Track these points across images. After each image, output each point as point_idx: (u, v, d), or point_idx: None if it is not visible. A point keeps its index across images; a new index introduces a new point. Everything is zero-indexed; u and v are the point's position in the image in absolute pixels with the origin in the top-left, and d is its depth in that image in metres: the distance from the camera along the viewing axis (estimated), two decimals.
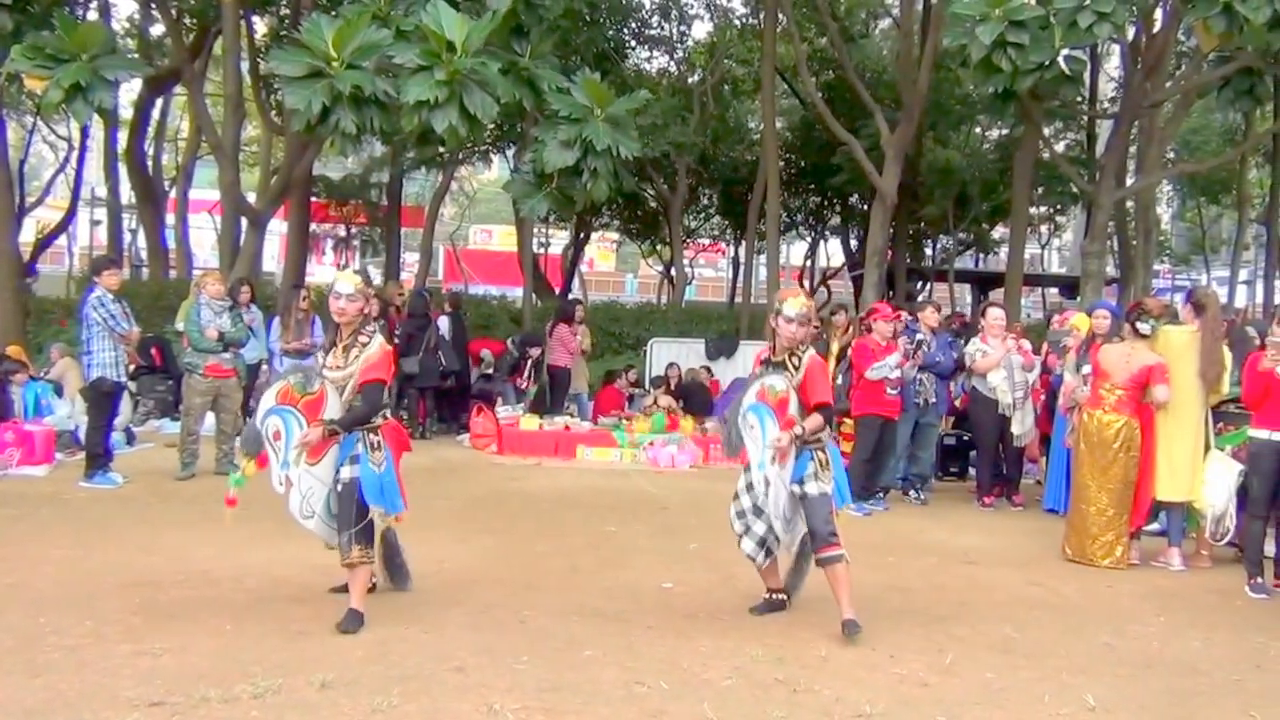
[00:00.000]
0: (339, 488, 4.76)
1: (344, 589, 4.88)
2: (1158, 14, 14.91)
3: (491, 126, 15.86)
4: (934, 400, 8.78)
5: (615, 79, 14.20)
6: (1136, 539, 6.74)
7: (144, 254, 22.73)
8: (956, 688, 4.28)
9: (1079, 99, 16.93)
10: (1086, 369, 7.35)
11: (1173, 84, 15.76)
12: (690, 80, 21.76)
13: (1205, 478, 6.54)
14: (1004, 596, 5.81)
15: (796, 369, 4.93)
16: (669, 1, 21.23)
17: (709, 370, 13.85)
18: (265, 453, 4.72)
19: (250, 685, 3.92)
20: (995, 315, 8.84)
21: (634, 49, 21.96)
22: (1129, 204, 17.68)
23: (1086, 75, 17.33)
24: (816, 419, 4.90)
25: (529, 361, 12.39)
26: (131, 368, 8.87)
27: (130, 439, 9.93)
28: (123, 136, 20.22)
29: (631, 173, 9.75)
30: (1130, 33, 14.84)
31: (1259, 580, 6.03)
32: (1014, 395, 8.44)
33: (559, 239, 31.11)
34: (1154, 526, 7.12)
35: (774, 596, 5.28)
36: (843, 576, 4.86)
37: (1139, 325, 6.69)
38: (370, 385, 4.75)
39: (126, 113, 19.94)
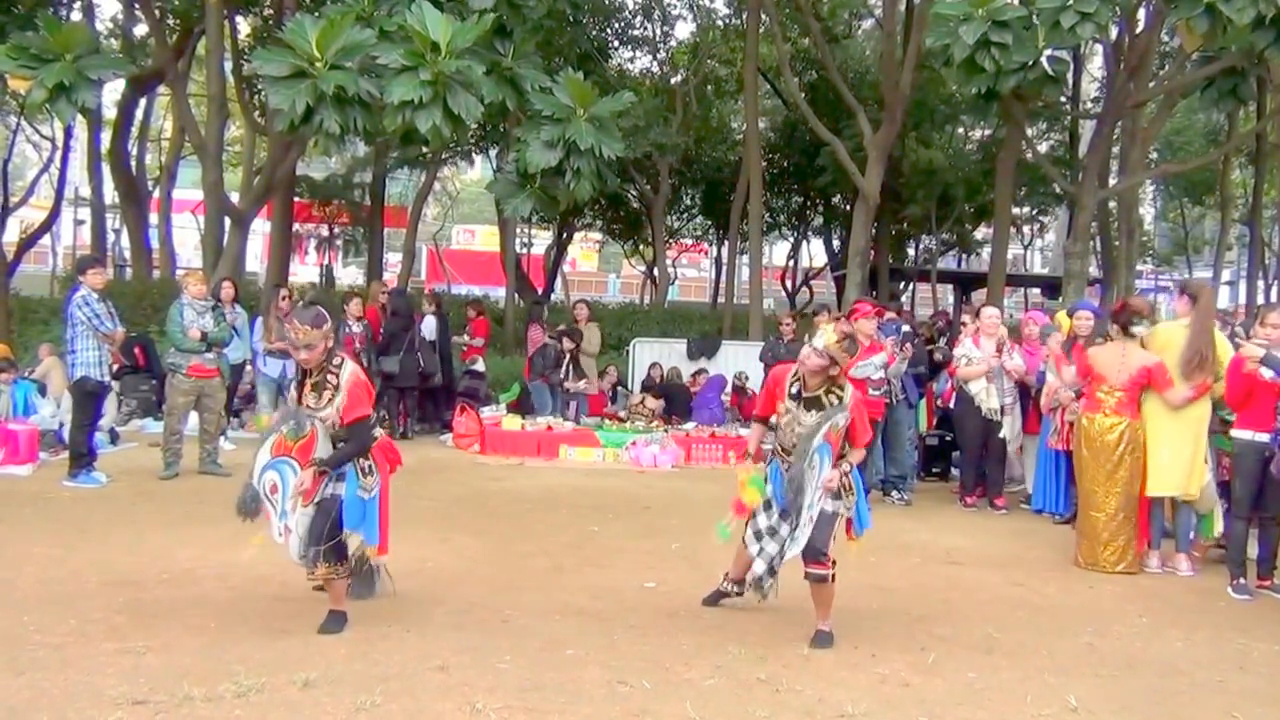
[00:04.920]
0: (317, 499, 4.62)
1: (324, 588, 4.85)
2: (1141, 14, 15.00)
3: (475, 126, 15.83)
4: (901, 396, 8.71)
5: (598, 79, 14.16)
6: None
7: (127, 254, 22.60)
8: (939, 687, 4.31)
9: (1062, 99, 17.04)
10: (1070, 370, 7.35)
11: (1156, 84, 15.81)
12: (673, 80, 21.76)
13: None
14: (986, 596, 5.84)
15: (839, 402, 4.80)
16: (652, 2, 21.25)
17: (706, 371, 13.73)
18: (266, 509, 4.58)
19: (233, 684, 3.92)
20: (990, 314, 8.81)
21: (617, 49, 21.95)
22: (1112, 204, 17.78)
23: (1070, 75, 17.48)
24: (860, 454, 4.97)
25: (567, 356, 11.86)
26: (115, 367, 8.83)
27: (114, 438, 9.89)
28: (106, 136, 20.09)
29: (615, 172, 9.73)
30: (1113, 33, 14.92)
31: (1242, 581, 6.02)
32: (1002, 400, 8.46)
33: (542, 239, 31.07)
34: None
35: (727, 585, 5.27)
36: (827, 594, 4.81)
37: (1131, 328, 6.53)
38: (356, 425, 4.64)
39: (110, 113, 19.82)
